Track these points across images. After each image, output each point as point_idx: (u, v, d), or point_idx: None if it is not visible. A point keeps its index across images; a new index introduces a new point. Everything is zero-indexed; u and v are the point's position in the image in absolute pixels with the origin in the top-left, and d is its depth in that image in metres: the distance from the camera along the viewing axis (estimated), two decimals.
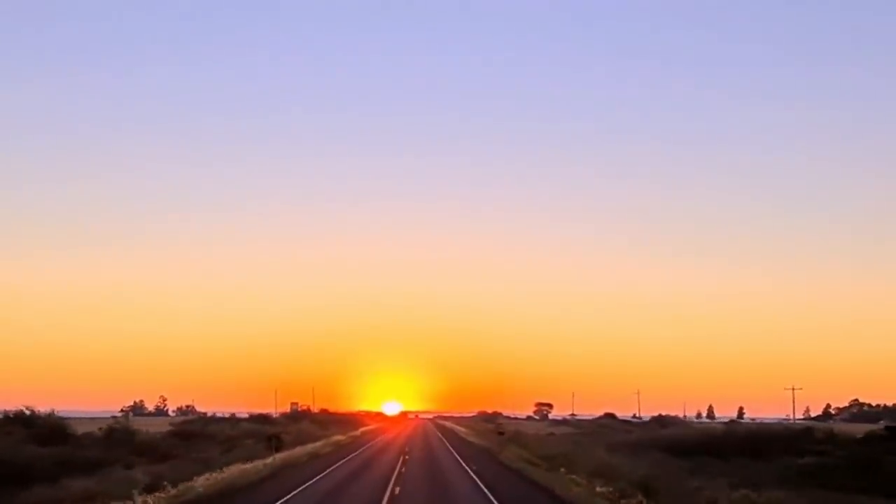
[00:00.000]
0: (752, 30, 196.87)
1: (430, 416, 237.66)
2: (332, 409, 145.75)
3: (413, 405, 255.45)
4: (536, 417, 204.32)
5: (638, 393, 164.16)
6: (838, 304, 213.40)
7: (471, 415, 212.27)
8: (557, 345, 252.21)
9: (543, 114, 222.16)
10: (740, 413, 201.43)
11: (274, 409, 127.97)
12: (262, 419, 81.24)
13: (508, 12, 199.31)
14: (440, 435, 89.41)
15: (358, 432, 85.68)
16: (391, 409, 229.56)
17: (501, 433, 61.64)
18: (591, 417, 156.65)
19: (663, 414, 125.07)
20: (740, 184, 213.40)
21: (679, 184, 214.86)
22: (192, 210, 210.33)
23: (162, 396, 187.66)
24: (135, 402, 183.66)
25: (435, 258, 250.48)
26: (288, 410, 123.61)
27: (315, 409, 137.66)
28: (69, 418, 54.08)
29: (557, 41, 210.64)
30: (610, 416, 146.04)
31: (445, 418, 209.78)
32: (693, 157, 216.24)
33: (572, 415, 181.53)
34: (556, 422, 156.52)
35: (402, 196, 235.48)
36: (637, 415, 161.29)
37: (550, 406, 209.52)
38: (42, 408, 49.78)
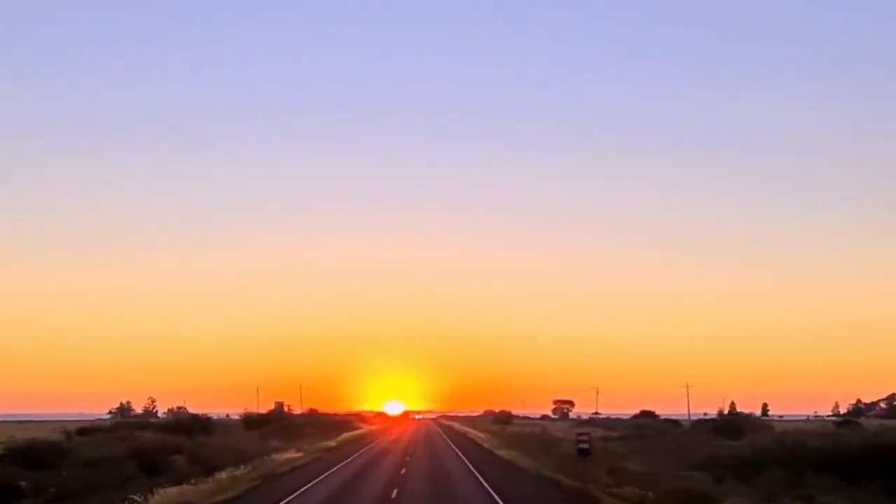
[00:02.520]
0: (752, 30, 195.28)
1: (433, 416, 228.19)
2: (322, 409, 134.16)
3: (416, 405, 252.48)
4: (555, 416, 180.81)
5: (687, 387, 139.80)
6: (852, 302, 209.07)
7: (476, 414, 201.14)
8: (568, 345, 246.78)
9: (544, 114, 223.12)
10: (764, 410, 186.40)
11: (256, 408, 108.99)
12: (198, 424, 57.29)
13: (509, 12, 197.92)
14: (452, 446, 62.73)
15: (333, 442, 60.59)
16: (393, 408, 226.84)
17: (586, 451, 33.19)
18: (617, 415, 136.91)
19: (735, 410, 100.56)
20: (741, 183, 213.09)
21: (680, 183, 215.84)
22: (188, 212, 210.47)
23: (150, 397, 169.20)
24: (122, 404, 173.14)
25: (435, 258, 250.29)
26: (272, 409, 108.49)
27: (300, 410, 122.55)
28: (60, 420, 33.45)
29: (557, 41, 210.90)
30: (648, 413, 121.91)
31: (451, 418, 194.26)
32: (693, 157, 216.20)
33: (596, 413, 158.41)
34: (579, 421, 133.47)
35: (403, 196, 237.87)
36: (655, 412, 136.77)
37: (572, 404, 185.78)
38: (36, 409, 28.84)
